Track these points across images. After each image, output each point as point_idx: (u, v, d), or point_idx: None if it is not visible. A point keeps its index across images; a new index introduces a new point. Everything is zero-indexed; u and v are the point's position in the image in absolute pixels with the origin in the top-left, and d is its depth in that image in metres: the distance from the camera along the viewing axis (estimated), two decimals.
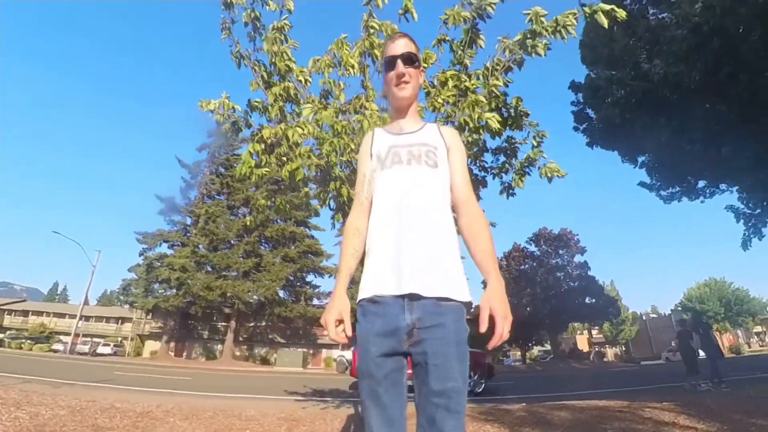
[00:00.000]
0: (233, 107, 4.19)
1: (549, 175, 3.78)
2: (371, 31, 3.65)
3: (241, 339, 34.90)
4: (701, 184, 10.53)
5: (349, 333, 1.10)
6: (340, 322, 1.12)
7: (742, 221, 9.89)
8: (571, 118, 11.04)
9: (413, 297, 1.06)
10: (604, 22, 2.99)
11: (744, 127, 7.41)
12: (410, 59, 1.32)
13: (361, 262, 1.25)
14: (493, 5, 3.34)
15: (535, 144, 3.90)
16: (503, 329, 1.03)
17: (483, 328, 1.01)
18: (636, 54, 8.49)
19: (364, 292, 1.13)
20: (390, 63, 1.33)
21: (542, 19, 3.21)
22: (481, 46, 3.66)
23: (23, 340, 35.42)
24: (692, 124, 7.79)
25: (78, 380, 9.27)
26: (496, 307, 1.04)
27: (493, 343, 1.05)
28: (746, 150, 7.62)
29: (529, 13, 3.26)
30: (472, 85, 3.52)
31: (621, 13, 2.92)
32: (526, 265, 38.58)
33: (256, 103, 4.04)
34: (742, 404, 5.27)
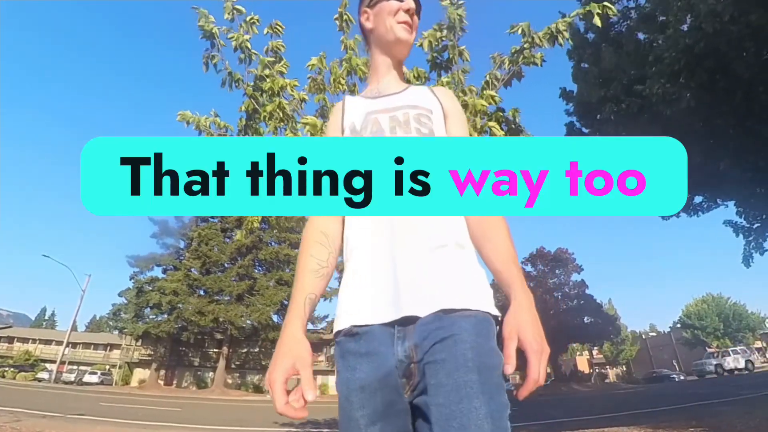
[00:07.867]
0: (225, 126, 4.05)
1: None
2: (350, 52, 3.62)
3: (233, 366, 33.94)
4: (698, 199, 10.48)
5: (310, 397, 0.67)
6: (288, 382, 0.70)
7: (741, 236, 9.79)
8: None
9: (407, 321, 0.72)
10: (598, 21, 3.02)
11: (742, 140, 7.40)
12: (418, 11, 1.02)
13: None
14: (463, 19, 3.29)
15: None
16: (539, 371, 0.66)
17: (511, 368, 0.66)
18: (627, 72, 8.55)
19: (340, 321, 0.78)
20: None
21: (533, 32, 3.18)
22: (467, 59, 3.60)
23: (6, 368, 34.06)
24: (689, 139, 7.78)
25: (60, 412, 8.82)
26: (528, 337, 0.67)
27: (526, 391, 0.68)
28: (745, 163, 7.58)
29: (518, 30, 3.21)
30: (470, 99, 3.41)
31: (612, 10, 3.01)
32: None
33: (253, 124, 3.92)
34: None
